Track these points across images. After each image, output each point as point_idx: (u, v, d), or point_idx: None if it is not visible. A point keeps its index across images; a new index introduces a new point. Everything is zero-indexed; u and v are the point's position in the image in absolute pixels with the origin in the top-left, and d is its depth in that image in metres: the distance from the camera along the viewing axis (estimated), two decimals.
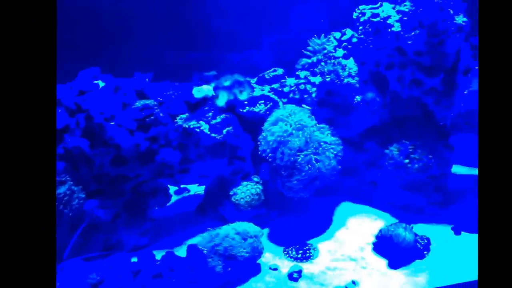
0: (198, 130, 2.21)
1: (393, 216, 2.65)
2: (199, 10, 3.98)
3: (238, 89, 2.42)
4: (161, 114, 2.20)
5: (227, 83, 2.41)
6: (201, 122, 2.27)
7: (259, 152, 2.34)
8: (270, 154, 2.24)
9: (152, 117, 2.18)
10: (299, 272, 2.09)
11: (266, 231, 2.55)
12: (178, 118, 2.28)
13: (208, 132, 2.25)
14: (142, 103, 2.16)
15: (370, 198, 2.80)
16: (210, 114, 2.35)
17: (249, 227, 2.07)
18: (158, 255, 1.98)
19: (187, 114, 2.30)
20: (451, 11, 2.26)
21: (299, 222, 2.61)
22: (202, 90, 2.32)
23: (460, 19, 2.26)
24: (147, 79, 2.40)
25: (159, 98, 2.38)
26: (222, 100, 2.39)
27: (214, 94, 2.40)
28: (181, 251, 2.18)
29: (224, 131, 2.37)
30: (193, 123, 2.20)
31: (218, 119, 2.38)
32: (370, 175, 2.75)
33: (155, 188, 2.41)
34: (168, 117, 2.35)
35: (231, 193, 2.46)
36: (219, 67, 3.87)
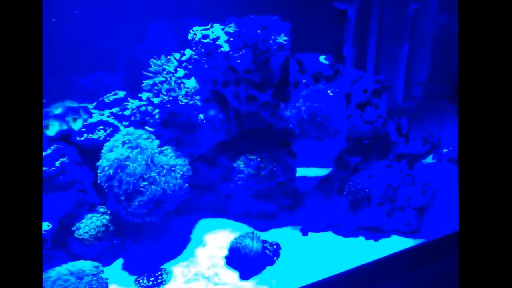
0: None
1: (249, 225, 2.76)
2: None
3: (72, 117, 2.27)
4: None
5: (58, 111, 2.24)
6: None
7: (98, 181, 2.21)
8: (107, 183, 2.14)
9: None
10: None
11: (120, 261, 2.43)
12: None
13: None
14: None
15: (227, 211, 2.87)
16: None
17: (85, 265, 1.93)
18: None
19: None
20: (272, 32, 2.46)
21: (155, 247, 2.54)
22: None
23: (282, 38, 2.48)
24: None
25: None
26: (53, 129, 2.21)
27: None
28: None
29: (57, 162, 2.19)
30: None
31: (49, 151, 2.18)
32: (225, 189, 2.82)
33: None
34: None
35: (74, 228, 2.28)
36: (66, 91, 3.60)
